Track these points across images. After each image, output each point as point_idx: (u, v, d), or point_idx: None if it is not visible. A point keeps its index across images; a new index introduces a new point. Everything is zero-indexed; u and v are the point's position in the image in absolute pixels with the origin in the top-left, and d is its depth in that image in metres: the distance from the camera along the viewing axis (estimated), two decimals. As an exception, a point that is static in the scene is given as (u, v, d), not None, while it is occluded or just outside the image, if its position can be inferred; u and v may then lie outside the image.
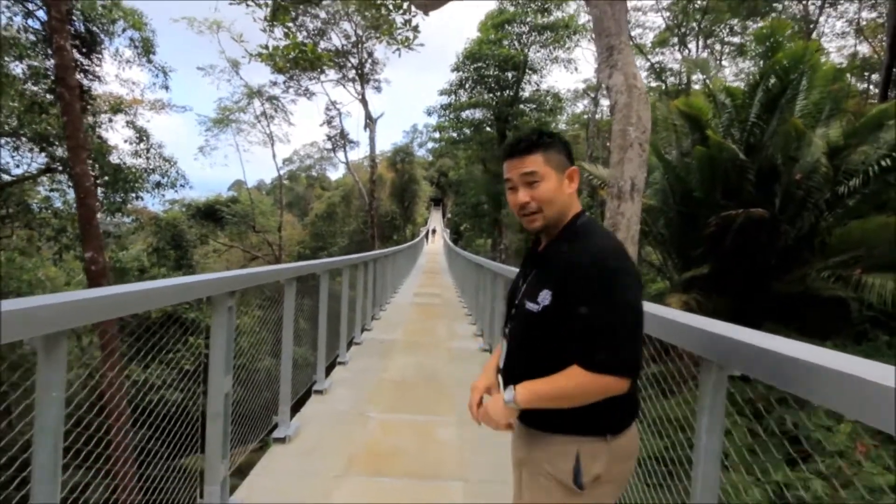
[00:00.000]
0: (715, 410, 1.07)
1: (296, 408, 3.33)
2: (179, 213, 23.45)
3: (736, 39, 21.25)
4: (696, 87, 19.53)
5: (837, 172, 7.69)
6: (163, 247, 19.35)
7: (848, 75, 16.78)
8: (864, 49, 20.04)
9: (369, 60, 21.03)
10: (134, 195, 13.97)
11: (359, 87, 21.34)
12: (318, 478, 2.52)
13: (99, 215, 12.89)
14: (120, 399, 5.55)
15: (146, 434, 2.44)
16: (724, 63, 21.62)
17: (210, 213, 26.25)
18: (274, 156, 38.65)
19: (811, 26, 18.79)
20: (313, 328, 4.02)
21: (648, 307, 1.27)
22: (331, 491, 2.40)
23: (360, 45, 20.32)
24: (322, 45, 19.15)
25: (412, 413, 3.58)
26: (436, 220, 45.48)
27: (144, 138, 14.58)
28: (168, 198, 17.18)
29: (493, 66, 19.80)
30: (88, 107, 12.26)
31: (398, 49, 17.47)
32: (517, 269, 4.28)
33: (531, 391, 1.05)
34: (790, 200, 7.94)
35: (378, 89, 22.30)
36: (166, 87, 15.10)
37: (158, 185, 14.99)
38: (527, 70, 20.24)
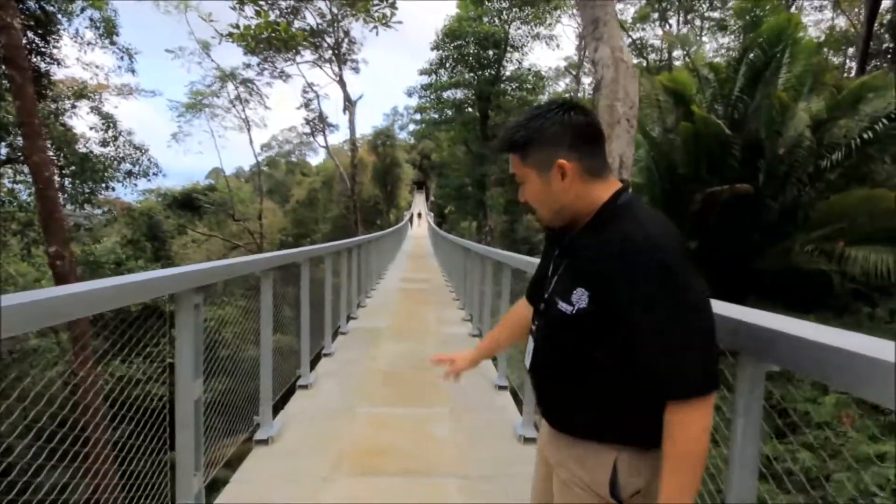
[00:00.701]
0: (751, 412, 0.94)
1: (279, 405, 3.17)
2: (155, 202, 22.77)
3: (716, 14, 21.15)
4: (678, 63, 19.47)
5: (820, 146, 7.71)
6: (138, 238, 18.77)
7: (825, 49, 16.86)
8: (840, 22, 20.17)
9: (346, 40, 20.35)
10: (104, 185, 13.36)
11: (336, 69, 20.69)
12: (304, 480, 2.38)
13: (68, 207, 12.34)
14: (95, 396, 5.33)
15: (125, 430, 2.28)
16: (704, 39, 21.55)
17: (187, 203, 25.55)
18: (251, 141, 37.78)
19: (789, 0, 18.76)
20: (296, 318, 3.83)
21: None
22: (319, 493, 2.26)
23: (335, 24, 19.62)
24: (296, 24, 18.45)
25: (404, 406, 3.45)
26: (419, 203, 45.05)
27: (112, 125, 13.91)
28: (142, 187, 16.54)
29: (474, 43, 19.34)
30: (48, 92, 11.60)
31: (375, 27, 16.84)
32: (505, 252, 4.08)
33: (675, 493, 0.81)
34: (774, 175, 7.94)
35: (356, 70, 21.71)
36: (133, 71, 14.36)
37: (130, 174, 14.39)
38: (508, 47, 19.85)
